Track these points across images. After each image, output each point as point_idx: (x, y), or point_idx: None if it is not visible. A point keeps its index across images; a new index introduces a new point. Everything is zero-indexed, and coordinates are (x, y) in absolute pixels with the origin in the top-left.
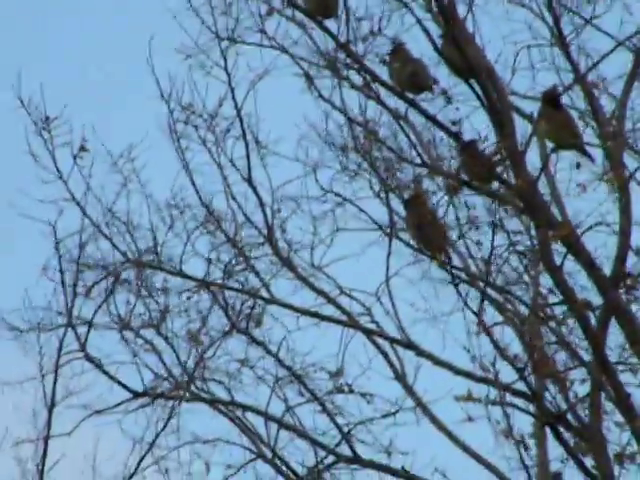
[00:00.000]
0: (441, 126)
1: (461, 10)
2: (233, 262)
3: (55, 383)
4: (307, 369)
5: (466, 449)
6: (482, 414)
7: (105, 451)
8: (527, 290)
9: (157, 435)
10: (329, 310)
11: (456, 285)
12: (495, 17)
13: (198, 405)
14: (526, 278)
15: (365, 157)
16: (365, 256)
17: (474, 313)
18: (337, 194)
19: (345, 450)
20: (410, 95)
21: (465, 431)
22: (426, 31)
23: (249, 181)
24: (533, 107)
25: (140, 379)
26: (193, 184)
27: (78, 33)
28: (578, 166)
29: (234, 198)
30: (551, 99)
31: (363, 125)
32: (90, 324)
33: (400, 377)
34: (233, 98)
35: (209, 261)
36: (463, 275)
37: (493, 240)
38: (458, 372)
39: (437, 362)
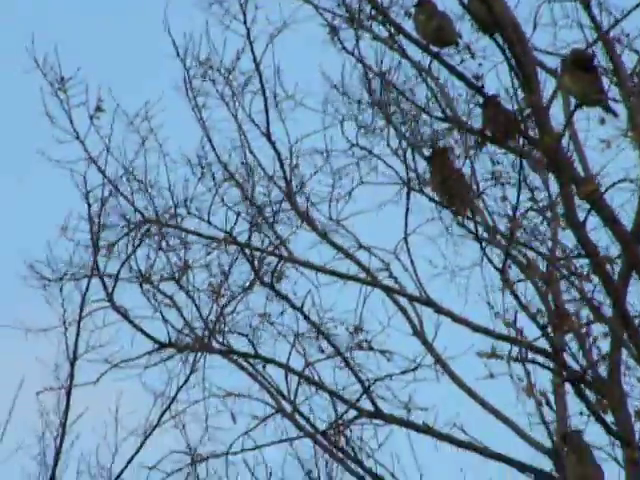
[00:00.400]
0: (465, 80)
1: None
2: (254, 219)
3: (78, 334)
4: (328, 325)
5: (485, 405)
6: (502, 371)
7: (127, 405)
8: (549, 246)
9: (179, 389)
10: (348, 266)
11: (480, 241)
12: None
13: (219, 360)
14: (548, 234)
15: (383, 111)
16: (384, 212)
17: (497, 270)
18: (363, 147)
19: (366, 405)
20: (435, 49)
21: (484, 388)
22: None
23: (268, 136)
24: (555, 63)
25: (162, 333)
26: (210, 142)
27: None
28: (603, 122)
29: (252, 153)
30: (581, 61)
31: (382, 77)
32: (117, 275)
33: (419, 334)
34: (252, 51)
35: (238, 214)
36: (485, 232)
37: (519, 197)
38: (477, 329)
39: (456, 319)
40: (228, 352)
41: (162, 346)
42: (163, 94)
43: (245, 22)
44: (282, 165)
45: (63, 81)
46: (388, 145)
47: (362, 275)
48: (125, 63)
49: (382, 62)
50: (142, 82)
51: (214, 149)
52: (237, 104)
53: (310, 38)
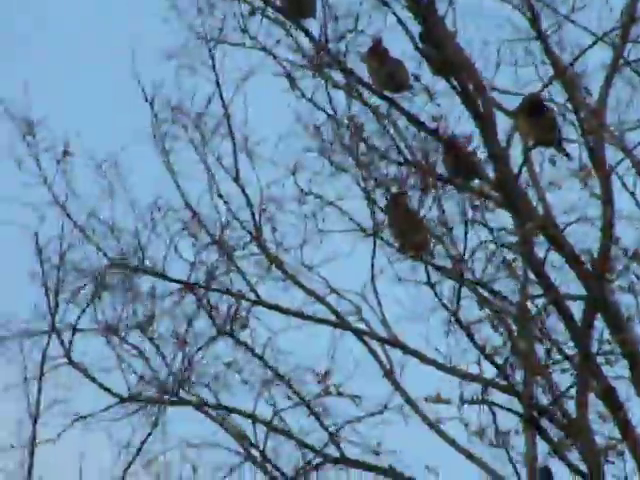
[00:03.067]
0: (422, 124)
1: (442, 7)
2: (218, 264)
3: (40, 391)
4: (294, 371)
5: (455, 445)
6: (459, 413)
7: (92, 459)
8: (509, 285)
9: (144, 441)
10: (318, 310)
11: (432, 285)
12: (475, 13)
13: (185, 410)
14: (508, 273)
15: (350, 155)
16: (354, 255)
17: (449, 310)
18: (317, 196)
19: (332, 451)
20: (389, 94)
21: (455, 427)
22: (406, 30)
23: (236, 180)
24: (515, 102)
25: (126, 384)
26: (177, 186)
27: (61, 36)
28: (559, 160)
29: (221, 197)
30: (533, 104)
31: (347, 124)
32: (74, 329)
33: (389, 376)
34: (221, 97)
35: (192, 264)
36: (443, 273)
37: (475, 236)
38: (443, 369)
39: (423, 359)
40: (189, 403)
41: (123, 400)
42: (132, 139)
43: (214, 67)
44: (251, 209)
45: (31, 125)
46: (355, 187)
47: (332, 318)
48: (93, 108)
49: (350, 109)
50: (110, 127)
51: (182, 194)
52: (206, 149)
53: (277, 84)
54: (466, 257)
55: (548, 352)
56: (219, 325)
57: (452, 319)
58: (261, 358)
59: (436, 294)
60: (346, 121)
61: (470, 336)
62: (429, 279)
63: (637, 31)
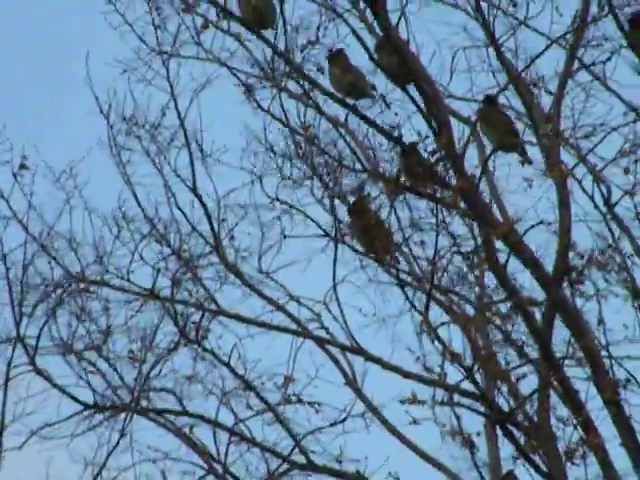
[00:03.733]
0: (381, 131)
1: (395, 16)
2: (180, 273)
3: (4, 402)
4: (258, 379)
5: (418, 451)
6: (433, 415)
7: (57, 474)
8: (472, 290)
9: (108, 455)
10: (279, 318)
11: (402, 287)
12: (429, 21)
13: (148, 424)
14: (471, 278)
15: (307, 164)
16: (314, 262)
17: (420, 314)
18: (283, 202)
19: (299, 458)
20: (350, 101)
21: (417, 433)
22: (361, 40)
23: (194, 190)
24: (471, 109)
25: (88, 400)
26: (135, 197)
27: (13, 49)
28: (523, 164)
29: (179, 208)
30: (491, 102)
31: (303, 133)
32: (38, 338)
33: (351, 383)
34: (176, 108)
35: (157, 271)
36: (409, 278)
37: (437, 242)
38: (407, 375)
39: (386, 366)
40: (155, 411)
41: (87, 407)
42: (88, 151)
43: (168, 78)
44: (209, 219)
45: None
46: (313, 195)
47: (293, 326)
48: (49, 119)
49: (305, 117)
50: (67, 140)
51: (139, 205)
52: (163, 159)
53: (233, 94)
54: (430, 263)
55: (520, 354)
56: (183, 334)
57: (421, 323)
58: (228, 365)
59: (407, 296)
60: (302, 130)
61: (437, 340)
62: (399, 280)
63: (590, 34)
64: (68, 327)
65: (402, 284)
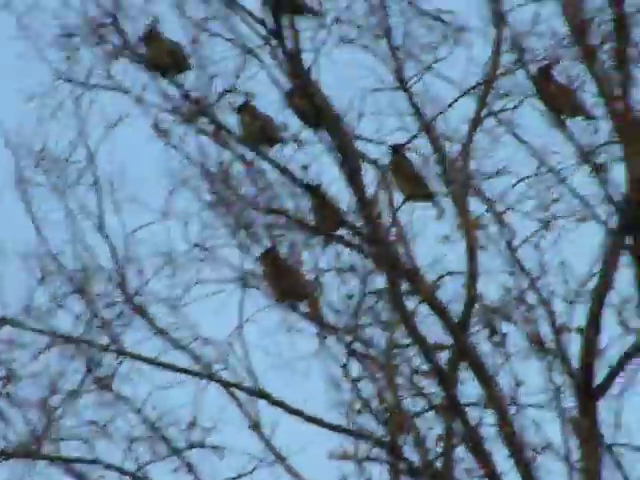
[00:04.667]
0: (291, 175)
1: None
2: (81, 314)
3: None
4: (162, 423)
5: None
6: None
7: None
8: (379, 335)
9: None
10: (184, 360)
11: (324, 338)
12: (340, 63)
13: (51, 472)
14: (376, 323)
15: (219, 202)
16: (225, 305)
17: (341, 366)
18: (197, 244)
19: None
20: (262, 147)
21: None
22: (275, 80)
23: (101, 230)
24: (381, 152)
25: None
26: (40, 234)
27: None
28: (440, 216)
29: (85, 247)
30: (399, 152)
31: (215, 172)
32: None
33: (256, 428)
34: (86, 144)
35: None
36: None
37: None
38: (311, 420)
39: (289, 410)
40: (56, 458)
41: None
42: None
43: (78, 112)
44: (117, 260)
45: None
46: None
47: (196, 368)
48: None
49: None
50: None
51: (46, 243)
52: (70, 197)
53: (144, 130)
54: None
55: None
56: (90, 376)
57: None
58: (139, 411)
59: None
60: (213, 169)
61: (356, 392)
62: (321, 331)
63: (499, 85)
64: None
65: (324, 335)
